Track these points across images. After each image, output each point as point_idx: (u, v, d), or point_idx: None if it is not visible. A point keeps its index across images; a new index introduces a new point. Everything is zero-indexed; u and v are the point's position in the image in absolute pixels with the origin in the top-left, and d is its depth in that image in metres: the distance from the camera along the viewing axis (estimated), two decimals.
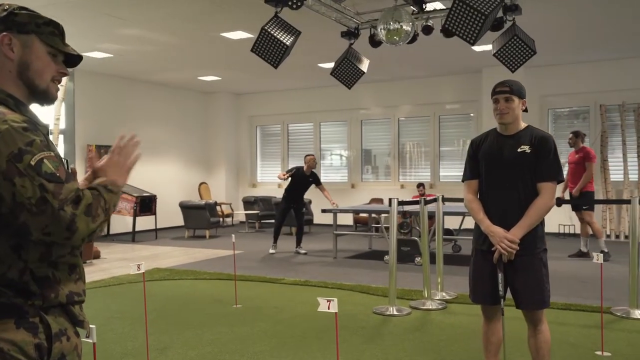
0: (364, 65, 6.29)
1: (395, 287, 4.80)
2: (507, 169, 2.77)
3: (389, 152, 12.08)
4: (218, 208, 12.17)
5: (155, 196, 10.41)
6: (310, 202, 11.57)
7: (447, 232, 8.43)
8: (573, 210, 7.75)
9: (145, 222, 10.81)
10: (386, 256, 7.40)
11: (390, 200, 4.78)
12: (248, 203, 12.24)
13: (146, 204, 10.17)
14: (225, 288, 5.78)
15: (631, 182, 9.61)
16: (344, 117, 12.52)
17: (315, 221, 11.59)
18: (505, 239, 2.67)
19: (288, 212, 8.46)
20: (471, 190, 2.93)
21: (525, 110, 2.86)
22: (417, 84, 11.51)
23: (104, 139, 10.60)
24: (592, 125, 10.04)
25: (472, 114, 11.09)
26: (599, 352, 3.62)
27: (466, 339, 3.98)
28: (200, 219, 10.48)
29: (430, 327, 4.31)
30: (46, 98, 1.44)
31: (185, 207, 10.60)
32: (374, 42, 6.15)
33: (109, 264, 7.44)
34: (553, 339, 3.89)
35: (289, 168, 8.59)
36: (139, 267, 3.47)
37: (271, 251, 8.43)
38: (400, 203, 4.98)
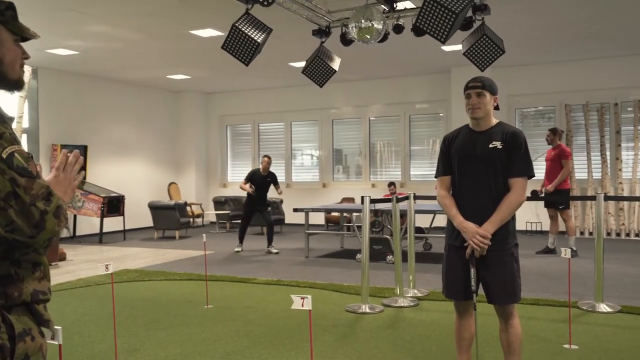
0: (336, 64, 6.29)
1: (367, 285, 4.81)
2: (479, 164, 2.79)
3: (360, 152, 12.12)
4: (188, 208, 12.01)
5: (123, 196, 10.21)
6: (281, 201, 11.54)
7: (419, 230, 8.49)
8: (545, 206, 7.84)
9: (113, 223, 10.59)
10: (358, 255, 7.42)
11: (362, 198, 4.78)
12: (218, 203, 12.12)
13: (114, 205, 9.96)
14: (196, 288, 5.69)
15: (595, 180, 9.86)
16: (315, 117, 12.52)
17: (287, 221, 11.55)
18: (478, 234, 2.69)
19: (252, 215, 8.51)
20: (444, 186, 2.94)
21: (497, 108, 2.90)
22: (388, 83, 11.59)
23: (70, 139, 10.34)
24: (557, 125, 10.26)
25: (441, 114, 11.22)
26: (566, 345, 3.69)
27: (438, 335, 4.01)
28: (170, 219, 10.32)
29: (403, 324, 4.33)
30: (18, 86, 1.39)
31: (154, 208, 10.42)
32: (346, 40, 6.15)
33: (76, 266, 7.26)
34: (523, 333, 3.96)
35: (246, 175, 8.56)
36: (107, 268, 3.38)
37: (237, 249, 8.46)
38: (373, 201, 4.98)
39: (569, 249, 3.81)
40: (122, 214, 10.21)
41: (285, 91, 12.59)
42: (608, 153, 9.79)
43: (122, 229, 10.46)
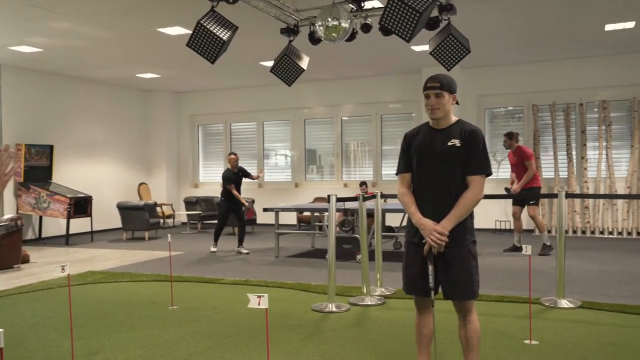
0: (304, 63, 6.27)
1: (334, 283, 4.80)
2: (438, 162, 2.80)
3: (333, 151, 12.13)
4: (159, 209, 11.86)
5: (90, 197, 10.02)
6: (253, 201, 11.46)
7: (389, 229, 8.55)
8: (513, 204, 7.86)
9: (80, 225, 10.40)
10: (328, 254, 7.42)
11: (328, 196, 4.77)
12: (190, 203, 11.99)
13: (81, 206, 9.77)
14: (162, 290, 5.61)
15: (561, 178, 10.05)
16: (287, 117, 12.49)
17: (259, 221, 11.49)
18: (435, 232, 2.71)
19: (229, 214, 8.36)
20: (404, 183, 2.95)
21: (457, 103, 2.91)
22: (360, 83, 11.62)
23: (35, 138, 10.10)
24: (525, 125, 10.44)
25: (413, 114, 11.29)
26: (527, 341, 3.74)
27: (403, 333, 4.02)
28: (139, 220, 10.17)
29: (368, 322, 4.33)
30: None
31: (123, 208, 10.25)
32: (314, 39, 6.13)
33: (39, 268, 7.08)
34: (485, 329, 3.99)
35: (227, 178, 8.35)
36: (63, 269, 3.30)
37: (212, 249, 8.37)
38: (339, 200, 4.98)
39: (529, 246, 3.85)
40: (90, 215, 10.02)
41: (257, 91, 12.53)
42: (574, 152, 9.98)
43: (89, 230, 10.26)
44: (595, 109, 9.89)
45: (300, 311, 4.69)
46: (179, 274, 6.47)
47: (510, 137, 7.63)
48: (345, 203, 6.30)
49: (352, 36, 5.94)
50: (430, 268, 2.78)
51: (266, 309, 2.42)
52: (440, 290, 2.82)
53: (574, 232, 9.88)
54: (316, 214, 9.37)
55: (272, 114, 12.62)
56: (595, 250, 7.96)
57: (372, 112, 11.66)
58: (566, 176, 10.00)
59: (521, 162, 7.43)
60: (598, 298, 4.94)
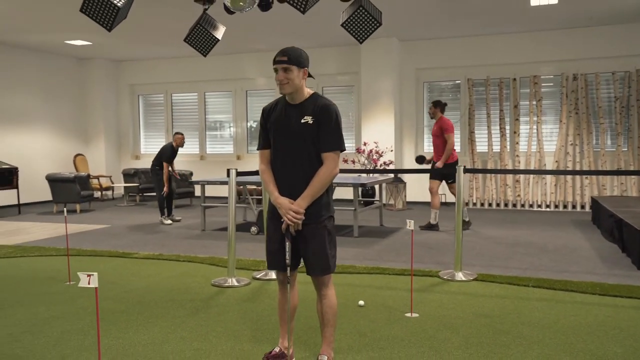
0: (219, 33, 6.08)
1: (234, 257, 4.77)
2: (293, 139, 2.76)
3: None
4: (96, 181, 11.60)
5: (16, 168, 9.68)
6: (191, 174, 11.30)
7: None
8: (430, 178, 7.78)
9: (7, 197, 10.07)
10: (253, 227, 7.39)
11: (228, 170, 4.70)
12: (128, 175, 11.74)
13: (5, 177, 9.44)
14: (66, 265, 5.48)
15: (494, 152, 10.22)
16: (229, 87, 12.27)
17: (197, 193, 11.35)
18: (291, 210, 2.69)
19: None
20: (264, 159, 2.90)
21: (310, 76, 2.86)
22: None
23: None
24: (462, 99, 10.52)
25: (354, 86, 11.23)
26: (408, 314, 3.80)
27: None
28: (70, 192, 9.90)
29: (262, 297, 4.33)
30: None
31: (52, 180, 9.96)
32: (227, 9, 5.94)
33: None
34: (373, 303, 4.05)
35: (168, 155, 8.52)
36: None
37: (167, 222, 8.47)
38: (240, 174, 4.91)
39: (412, 221, 3.88)
40: (16, 187, 9.71)
41: (198, 60, 12.22)
42: (507, 127, 10.13)
43: (16, 202, 9.95)
44: (527, 85, 10.03)
45: (199, 286, 4.66)
46: (93, 248, 6.34)
47: (436, 105, 7.36)
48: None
49: (266, 6, 5.78)
50: (288, 245, 2.77)
51: (96, 288, 2.37)
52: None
53: (505, 205, 10.11)
54: (250, 187, 9.28)
55: (214, 84, 12.37)
56: (514, 224, 8.16)
57: (312, 84, 11.54)
58: (499, 150, 10.16)
59: (441, 133, 7.25)
60: (496, 271, 5.07)
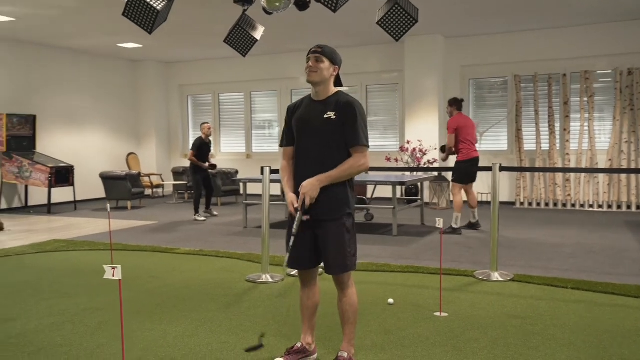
0: (258, 33, 6.19)
1: (268, 254, 4.85)
2: (316, 134, 2.79)
3: None
4: (146, 179, 12.01)
5: (72, 167, 10.18)
6: (237, 172, 11.54)
7: (360, 201, 8.55)
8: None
9: (64, 194, 10.58)
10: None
11: (262, 168, 4.78)
12: (177, 174, 12.11)
13: (62, 175, 9.93)
14: (114, 259, 5.72)
15: (543, 151, 9.89)
16: (274, 87, 12.43)
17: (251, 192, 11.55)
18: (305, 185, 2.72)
19: (201, 181, 8.78)
20: (286, 157, 2.95)
21: (339, 79, 2.88)
22: (343, 53, 11.38)
23: (17, 108, 10.23)
24: (509, 96, 10.24)
25: (398, 84, 11.14)
26: (437, 313, 3.76)
27: (323, 304, 4.05)
28: (121, 190, 10.31)
29: (293, 293, 4.38)
30: None
31: (106, 178, 10.40)
32: (265, 10, 6.04)
33: (8, 237, 7.27)
34: (403, 301, 4.03)
35: (194, 145, 8.90)
36: None
37: (200, 218, 8.69)
38: (274, 172, 4.98)
39: (441, 219, 3.84)
40: (72, 185, 10.20)
41: (244, 61, 12.35)
42: (557, 124, 9.79)
43: (72, 199, 10.45)
44: (578, 80, 9.65)
45: (234, 281, 4.76)
46: (138, 244, 6.59)
47: (451, 104, 7.08)
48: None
49: (304, 5, 5.83)
50: (298, 216, 2.73)
51: (119, 280, 2.48)
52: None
53: (555, 205, 9.77)
54: None
55: (260, 84, 12.57)
56: (562, 224, 7.87)
57: (357, 82, 11.52)
58: (548, 149, 9.83)
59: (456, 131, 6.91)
60: (536, 272, 4.92)
